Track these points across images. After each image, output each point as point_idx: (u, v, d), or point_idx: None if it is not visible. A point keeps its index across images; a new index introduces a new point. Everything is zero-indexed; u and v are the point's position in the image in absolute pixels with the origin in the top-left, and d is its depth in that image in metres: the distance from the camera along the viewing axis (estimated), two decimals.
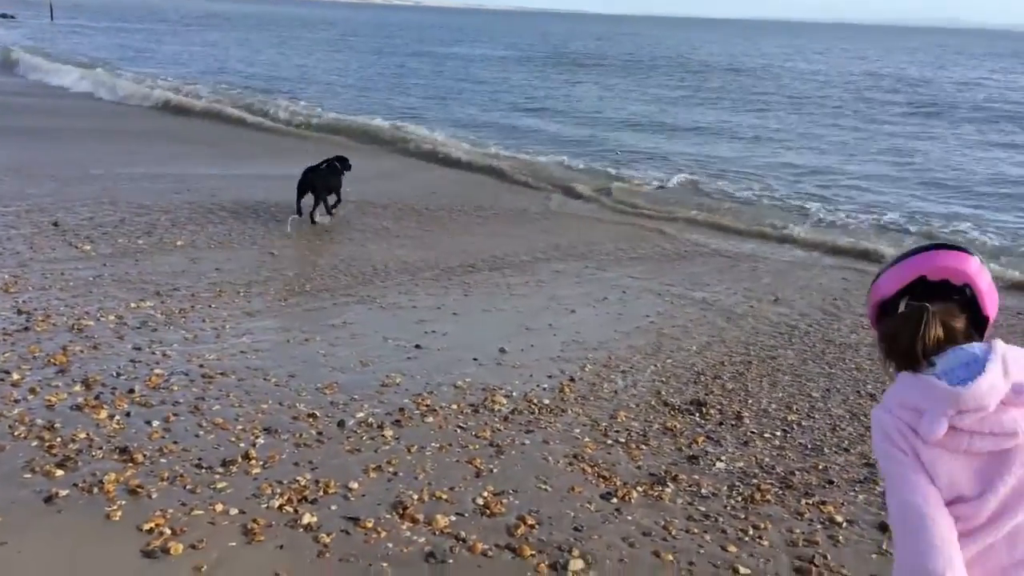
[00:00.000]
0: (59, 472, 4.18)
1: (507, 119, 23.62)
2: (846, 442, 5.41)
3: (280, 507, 4.06)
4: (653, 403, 5.82)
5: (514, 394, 5.77)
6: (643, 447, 5.13)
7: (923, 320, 1.87)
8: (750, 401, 5.98)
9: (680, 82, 38.65)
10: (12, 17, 60.19)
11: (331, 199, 10.65)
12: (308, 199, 10.29)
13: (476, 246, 9.91)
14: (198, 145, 16.28)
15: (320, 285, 7.87)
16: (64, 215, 9.49)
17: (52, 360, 5.49)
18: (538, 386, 5.94)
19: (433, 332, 6.86)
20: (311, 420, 5.06)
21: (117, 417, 4.83)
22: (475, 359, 6.34)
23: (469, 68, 42.58)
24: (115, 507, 3.92)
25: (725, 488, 4.68)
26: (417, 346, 6.50)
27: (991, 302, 1.95)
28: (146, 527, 3.77)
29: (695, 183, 15.36)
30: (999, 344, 1.83)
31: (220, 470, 4.36)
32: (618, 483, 4.63)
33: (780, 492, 4.68)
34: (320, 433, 4.90)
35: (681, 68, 48.08)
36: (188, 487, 4.16)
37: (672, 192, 14.68)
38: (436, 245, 9.81)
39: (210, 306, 6.95)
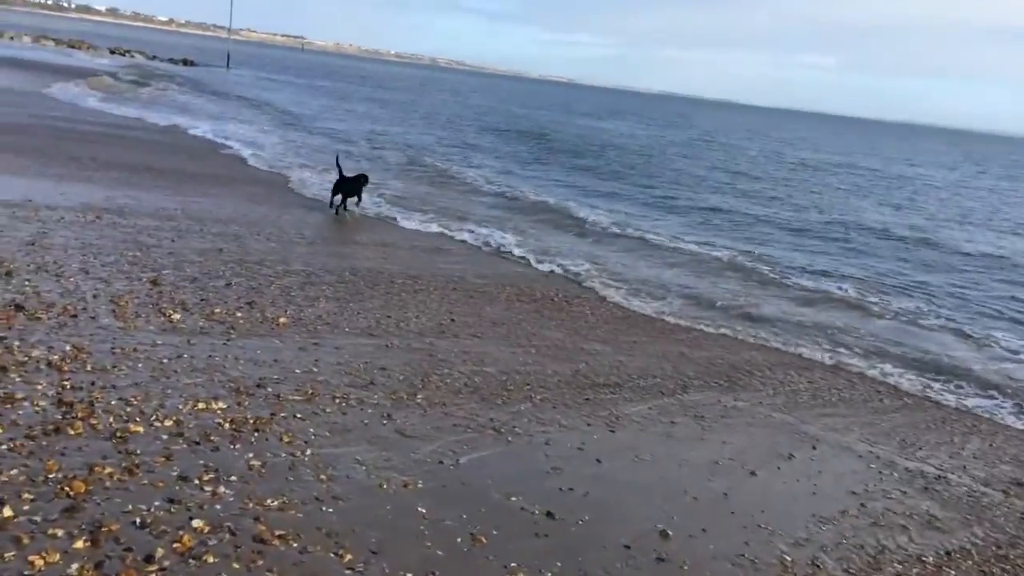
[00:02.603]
0: None
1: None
2: None
3: None
4: None
5: None
6: None
7: None
8: None
9: None
10: (192, 64, 63.85)
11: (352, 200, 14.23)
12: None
13: (624, 359, 8.18)
14: None
15: (435, 398, 6.32)
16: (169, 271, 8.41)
17: (66, 489, 4.10)
18: None
19: (570, 490, 5.15)
20: None
21: None
22: (626, 547, 4.58)
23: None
24: None
25: None
26: (549, 514, 4.79)
27: None
28: None
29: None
30: None
31: None
32: None
33: None
34: None
35: None
36: None
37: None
38: (575, 352, 8.15)
39: (295, 417, 5.50)
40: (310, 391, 5.99)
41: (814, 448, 6.64)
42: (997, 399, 8.81)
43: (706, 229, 18.09)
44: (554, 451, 5.70)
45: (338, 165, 14.99)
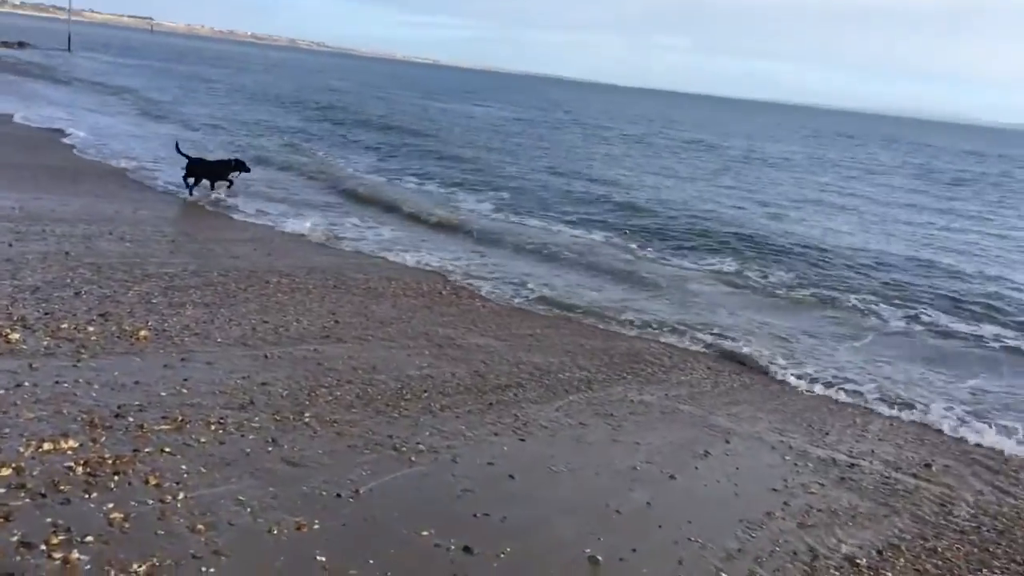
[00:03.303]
0: None
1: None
2: None
3: None
4: None
5: None
6: None
7: None
8: None
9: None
10: (27, 46, 59.04)
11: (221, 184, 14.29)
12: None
13: (522, 354, 7.73)
14: None
15: (325, 415, 5.66)
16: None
17: None
18: None
19: (486, 516, 4.64)
20: None
21: None
22: None
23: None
24: None
25: None
26: (466, 549, 4.26)
27: None
28: None
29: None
30: None
31: None
32: None
33: None
34: None
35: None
36: None
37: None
38: (465, 352, 7.63)
39: (163, 451, 4.74)
40: (179, 417, 5.22)
41: (727, 442, 6.38)
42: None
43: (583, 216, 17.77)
44: (463, 469, 5.17)
45: (179, 150, 14.22)
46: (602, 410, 6.66)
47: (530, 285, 10.54)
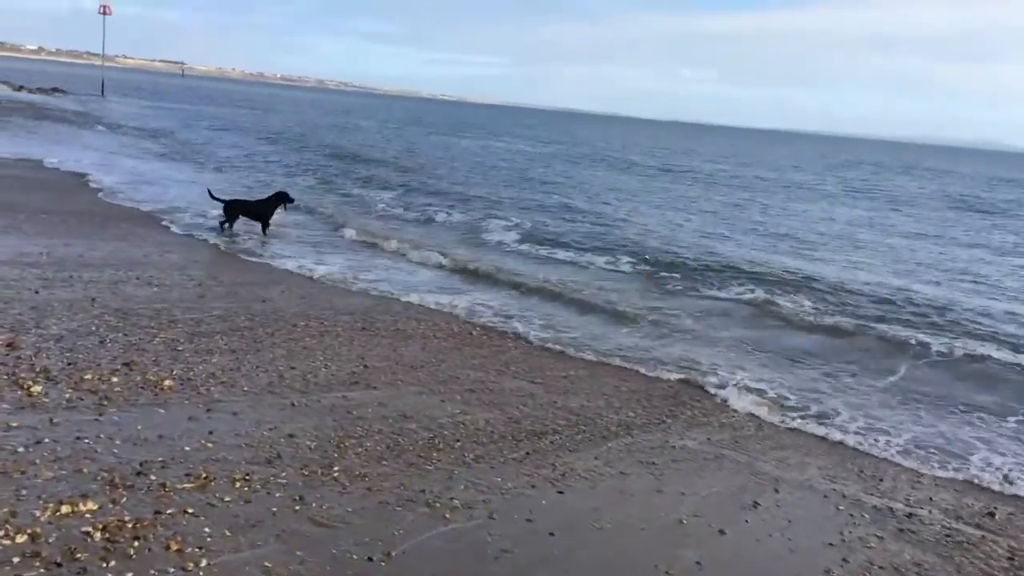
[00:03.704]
0: None
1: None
2: None
3: None
4: None
5: None
6: None
7: None
8: None
9: None
10: (62, 92, 60.29)
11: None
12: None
13: (550, 399, 7.45)
14: None
15: (355, 469, 5.42)
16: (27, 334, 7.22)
17: None
18: None
19: None
20: None
21: None
22: None
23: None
24: None
25: None
26: None
27: None
28: None
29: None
30: None
31: None
32: None
33: None
34: None
35: None
36: None
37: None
38: (498, 397, 7.37)
39: (185, 512, 4.51)
40: (204, 475, 5.00)
41: (777, 491, 6.04)
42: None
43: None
44: (500, 527, 4.89)
45: (212, 196, 14.33)
46: (643, 457, 6.36)
47: (561, 326, 10.29)
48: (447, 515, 4.95)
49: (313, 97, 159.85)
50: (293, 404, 6.45)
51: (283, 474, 5.18)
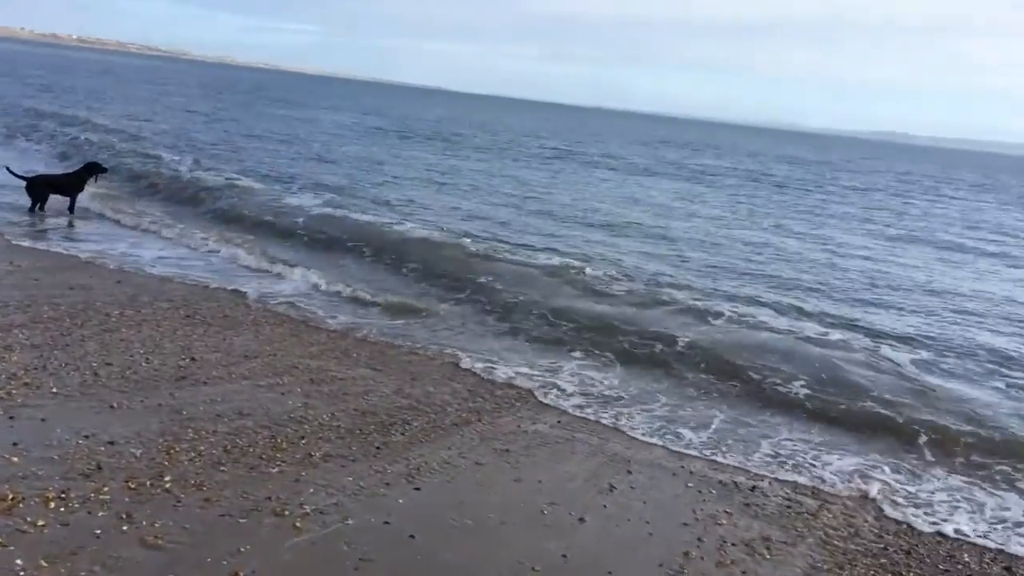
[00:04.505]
0: None
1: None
2: None
3: None
4: None
5: None
6: None
7: None
8: None
9: None
10: None
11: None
12: None
13: (397, 388, 7.16)
14: None
15: (189, 478, 4.90)
16: None
17: None
18: None
19: None
20: None
21: None
22: None
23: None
24: None
25: None
26: None
27: None
28: None
29: None
30: None
31: None
32: None
33: None
34: None
35: None
36: None
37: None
38: (342, 387, 7.00)
39: None
40: (10, 495, 4.36)
41: (630, 472, 6.05)
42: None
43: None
44: (357, 533, 4.57)
45: (11, 172, 12.93)
46: (498, 445, 6.20)
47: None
48: (298, 524, 4.57)
49: (108, 61, 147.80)
50: (112, 406, 5.80)
51: (105, 489, 4.61)
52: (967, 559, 5.33)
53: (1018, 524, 5.92)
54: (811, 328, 10.56)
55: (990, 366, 9.85)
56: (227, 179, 18.07)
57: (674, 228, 19.21)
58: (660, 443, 6.69)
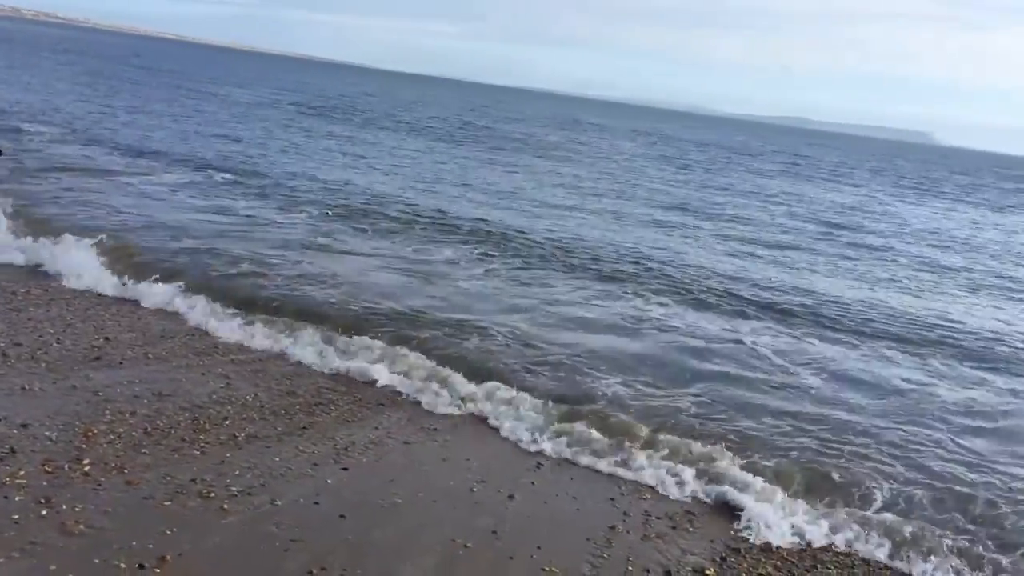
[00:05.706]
0: None
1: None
2: None
3: None
4: None
5: None
6: None
7: None
8: None
9: None
10: None
11: None
12: None
13: (312, 364, 7.08)
14: None
15: (109, 460, 4.76)
16: None
17: None
18: None
19: (322, 571, 4.05)
20: None
21: None
22: None
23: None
24: None
25: None
26: None
27: None
28: None
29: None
30: None
31: None
32: None
33: None
34: None
35: None
36: None
37: None
38: (264, 365, 6.88)
39: None
40: None
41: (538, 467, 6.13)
42: None
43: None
44: (286, 515, 4.53)
45: None
46: (425, 423, 6.21)
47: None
48: (225, 506, 4.49)
49: (12, 28, 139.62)
50: (24, 388, 5.58)
51: (21, 473, 4.45)
52: None
53: None
54: None
55: None
56: None
57: None
58: None
